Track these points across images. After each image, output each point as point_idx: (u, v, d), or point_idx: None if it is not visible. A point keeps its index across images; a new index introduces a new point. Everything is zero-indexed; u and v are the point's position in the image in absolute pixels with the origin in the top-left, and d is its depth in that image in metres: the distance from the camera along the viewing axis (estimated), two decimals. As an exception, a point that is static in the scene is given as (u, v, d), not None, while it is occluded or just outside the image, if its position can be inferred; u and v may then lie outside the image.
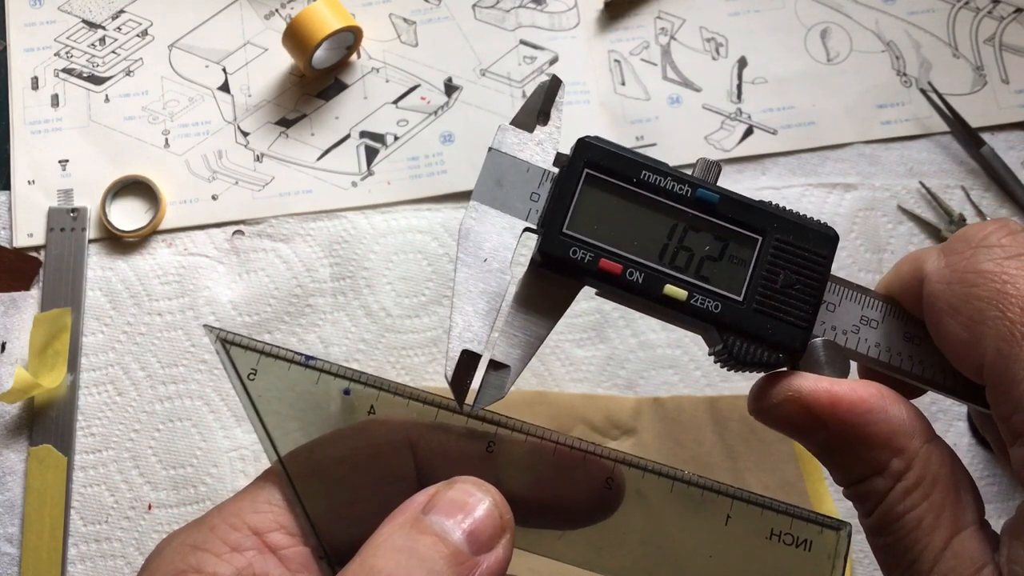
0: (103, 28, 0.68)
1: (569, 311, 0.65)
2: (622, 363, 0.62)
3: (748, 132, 0.67)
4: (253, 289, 0.63)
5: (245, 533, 0.28)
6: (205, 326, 0.29)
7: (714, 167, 0.30)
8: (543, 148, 0.29)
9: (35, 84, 0.67)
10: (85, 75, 0.67)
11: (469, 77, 0.68)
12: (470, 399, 0.28)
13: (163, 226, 0.64)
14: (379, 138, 0.66)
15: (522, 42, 0.68)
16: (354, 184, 0.65)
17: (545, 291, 0.29)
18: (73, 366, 0.61)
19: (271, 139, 0.66)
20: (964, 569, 0.25)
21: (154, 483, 0.59)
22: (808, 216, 0.29)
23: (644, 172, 0.29)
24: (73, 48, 0.68)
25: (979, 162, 0.66)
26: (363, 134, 0.66)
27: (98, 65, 0.68)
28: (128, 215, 0.64)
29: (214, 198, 0.65)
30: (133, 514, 0.59)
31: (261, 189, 0.65)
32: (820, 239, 0.29)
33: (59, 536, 0.58)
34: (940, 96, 0.67)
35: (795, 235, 0.29)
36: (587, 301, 0.62)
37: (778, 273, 0.28)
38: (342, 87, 0.67)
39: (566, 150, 0.30)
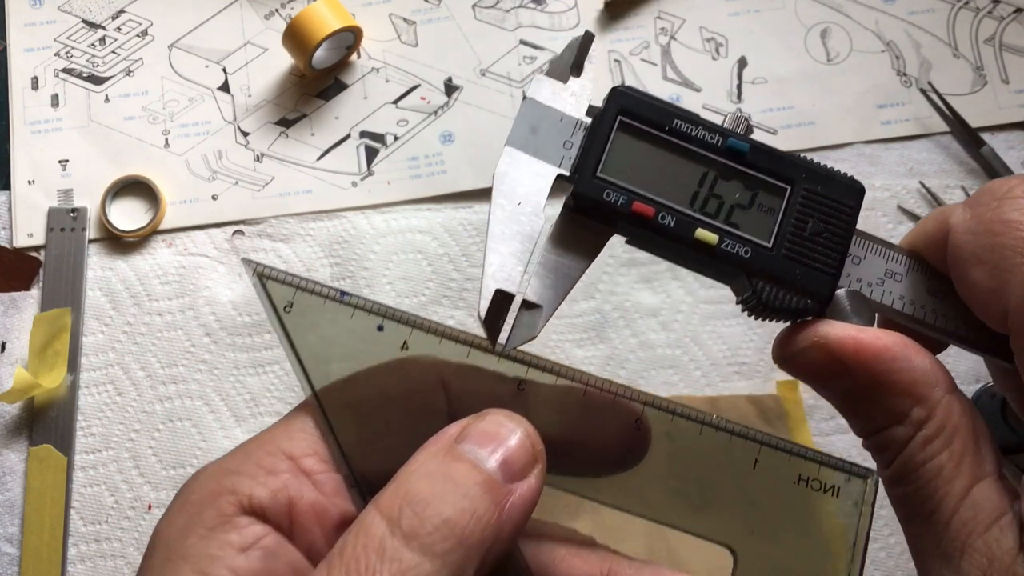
0: (103, 28, 0.68)
1: (569, 311, 0.65)
2: (622, 363, 0.62)
3: (748, 132, 0.67)
4: (253, 289, 0.62)
5: (280, 458, 0.28)
6: (243, 259, 0.30)
7: (743, 120, 0.30)
8: (577, 99, 0.30)
9: (35, 84, 0.67)
10: (85, 75, 0.67)
11: (469, 77, 0.68)
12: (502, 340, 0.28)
13: (163, 226, 0.64)
14: (379, 138, 0.66)
15: (522, 42, 0.68)
16: (354, 184, 0.65)
17: (577, 235, 0.29)
18: (73, 366, 0.61)
19: (271, 139, 0.66)
20: (984, 517, 0.26)
21: (154, 483, 0.59)
22: (835, 168, 0.30)
23: (676, 120, 0.29)
24: (73, 48, 0.68)
25: (979, 162, 0.66)
26: (363, 134, 0.66)
27: (98, 65, 0.68)
28: (128, 215, 0.64)
29: (214, 198, 0.65)
30: (133, 514, 0.59)
31: (261, 189, 0.65)
32: (847, 190, 0.29)
33: (59, 536, 0.58)
34: (940, 96, 0.67)
35: (823, 185, 0.29)
36: (587, 301, 0.62)
37: (806, 221, 0.29)
38: (342, 87, 0.67)
39: (599, 104, 0.30)
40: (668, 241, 0.29)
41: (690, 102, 0.67)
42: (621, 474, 0.30)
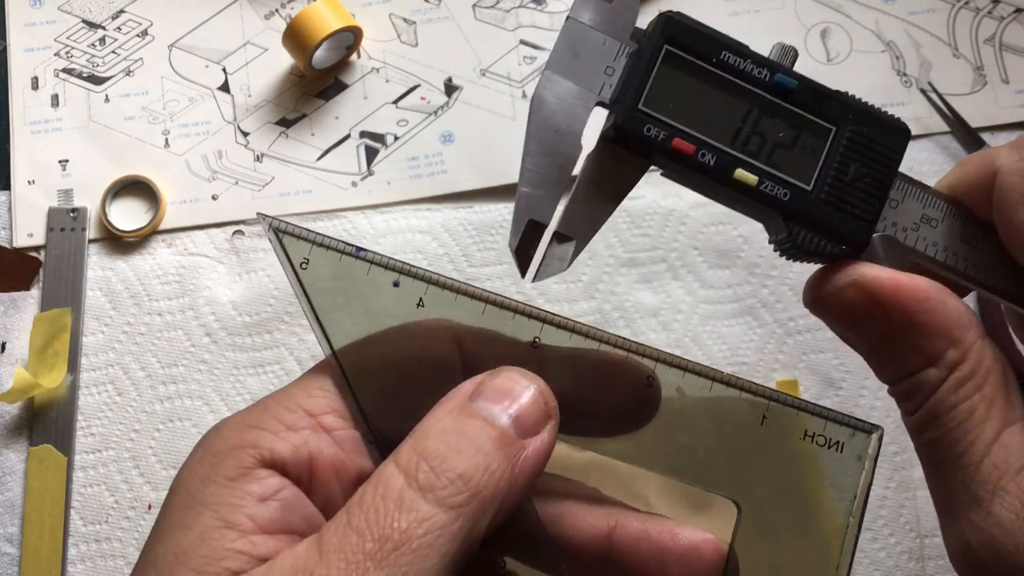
0: (103, 28, 0.68)
1: (569, 311, 0.65)
2: (622, 363, 0.61)
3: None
4: (253, 289, 0.63)
5: (300, 415, 0.28)
6: (259, 214, 0.30)
7: (791, 51, 0.30)
8: (622, 20, 0.29)
9: (35, 84, 0.67)
10: (85, 75, 0.67)
11: (469, 77, 0.68)
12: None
13: (163, 226, 0.64)
14: (379, 138, 0.66)
15: (522, 42, 0.68)
16: (354, 184, 0.65)
17: (614, 168, 0.28)
18: (73, 366, 0.61)
19: (271, 139, 0.66)
20: (1015, 460, 0.26)
21: (154, 483, 0.59)
22: (883, 110, 0.29)
23: (724, 53, 0.28)
24: (73, 48, 0.68)
25: (979, 162, 0.66)
26: (363, 134, 0.66)
27: (98, 65, 0.68)
28: (128, 215, 0.64)
29: (214, 198, 0.65)
30: (133, 514, 0.59)
31: (261, 189, 0.65)
32: (894, 133, 0.28)
33: (59, 536, 0.58)
34: (940, 96, 0.67)
35: (869, 127, 0.28)
36: (587, 301, 0.62)
37: (849, 165, 0.28)
38: (342, 87, 0.67)
39: (644, 26, 0.29)
40: (706, 179, 0.28)
41: (690, 102, 0.67)
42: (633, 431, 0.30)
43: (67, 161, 0.65)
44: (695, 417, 0.29)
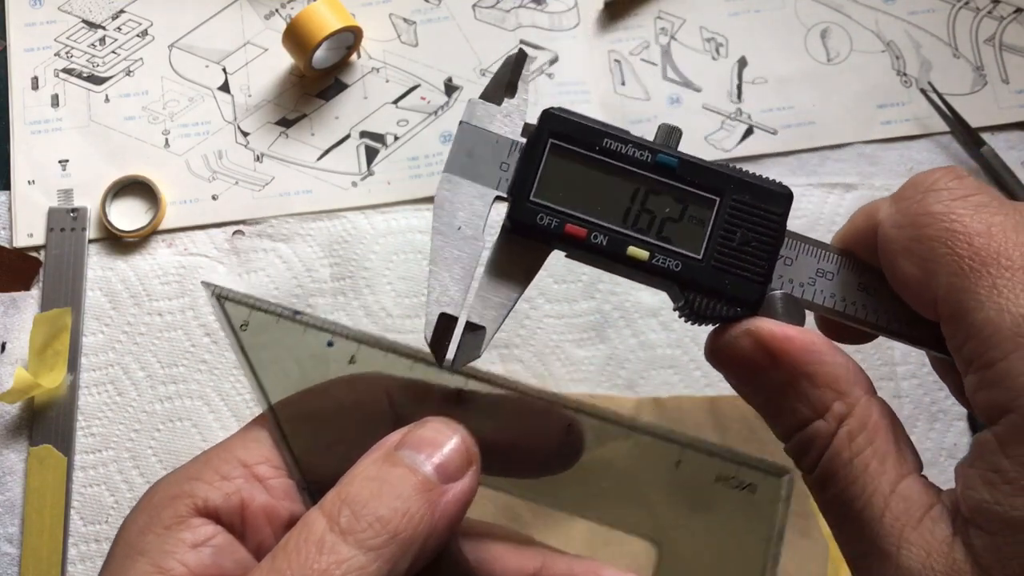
0: (103, 28, 0.68)
1: (569, 311, 0.65)
2: (622, 363, 0.62)
3: (748, 132, 0.67)
4: (253, 289, 0.63)
5: (234, 465, 0.31)
6: (203, 283, 0.31)
7: (675, 132, 0.31)
8: (511, 120, 0.30)
9: (35, 84, 0.67)
10: (85, 75, 0.67)
11: (469, 77, 0.68)
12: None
13: (163, 226, 0.64)
14: (379, 138, 0.66)
15: (522, 42, 0.68)
16: (354, 184, 0.65)
17: (517, 256, 0.30)
18: (73, 366, 0.61)
19: (271, 139, 0.66)
20: (915, 510, 0.26)
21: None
22: (764, 176, 0.30)
23: (606, 140, 0.30)
24: (73, 48, 0.68)
25: (979, 162, 0.66)
26: (363, 134, 0.66)
27: (98, 65, 0.68)
28: (128, 215, 0.64)
29: (214, 198, 0.65)
30: (133, 514, 0.59)
31: (261, 189, 0.65)
32: (775, 198, 0.30)
33: (59, 536, 0.58)
34: (940, 96, 0.67)
35: (751, 194, 0.30)
36: (587, 301, 0.62)
37: (735, 231, 0.30)
38: (342, 87, 0.67)
39: (534, 121, 0.31)
40: (602, 258, 0.30)
41: (690, 102, 0.67)
42: (556, 475, 0.32)
43: (67, 161, 0.65)
44: (614, 463, 0.30)
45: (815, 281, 0.30)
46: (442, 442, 0.29)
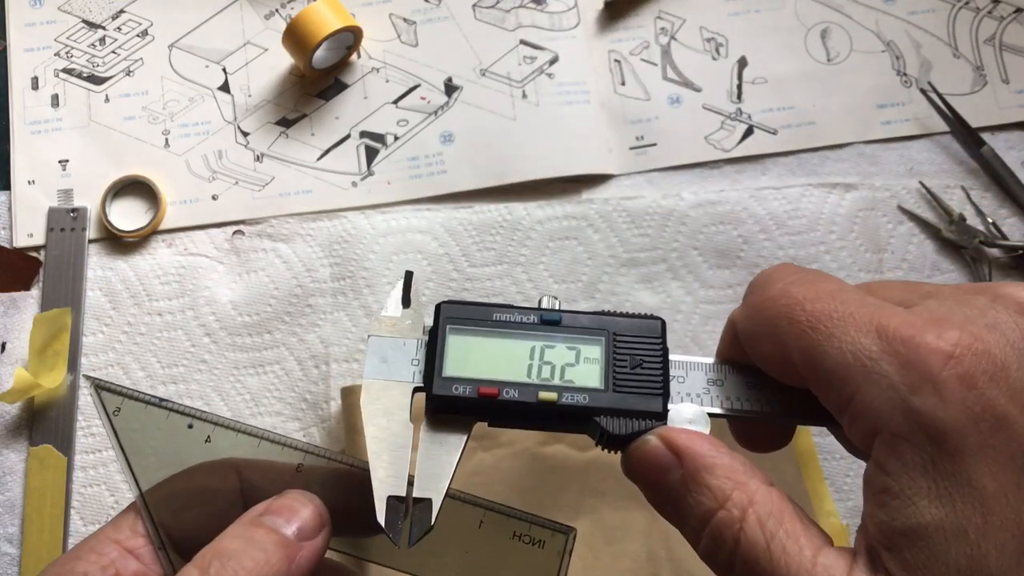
0: (103, 28, 0.68)
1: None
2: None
3: (748, 132, 0.67)
4: (253, 289, 0.63)
5: (108, 544, 0.35)
6: (84, 375, 0.35)
7: (555, 299, 0.36)
8: (412, 325, 0.35)
9: (35, 84, 0.67)
10: (85, 75, 0.67)
11: (469, 77, 0.68)
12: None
13: (163, 226, 0.64)
14: (379, 138, 0.66)
15: (522, 42, 0.68)
16: (354, 184, 0.65)
17: (446, 430, 0.34)
18: (73, 366, 0.61)
19: (271, 139, 0.66)
20: (841, 573, 0.28)
21: (154, 483, 0.59)
22: (636, 312, 0.35)
23: (495, 313, 0.35)
24: (73, 48, 0.68)
25: (979, 162, 0.66)
26: (363, 134, 0.66)
27: (98, 65, 0.68)
28: (128, 215, 0.64)
29: (214, 198, 0.65)
30: (133, 514, 0.59)
31: (261, 189, 0.65)
32: (649, 327, 0.35)
33: (59, 536, 0.58)
34: (940, 96, 0.67)
35: (628, 329, 0.35)
36: (587, 301, 0.62)
37: (625, 359, 0.34)
38: (342, 87, 0.67)
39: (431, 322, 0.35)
40: (519, 411, 0.33)
41: (690, 102, 0.67)
42: (380, 541, 0.37)
43: (67, 161, 0.65)
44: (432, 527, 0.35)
45: (709, 390, 0.34)
46: (299, 508, 0.34)
